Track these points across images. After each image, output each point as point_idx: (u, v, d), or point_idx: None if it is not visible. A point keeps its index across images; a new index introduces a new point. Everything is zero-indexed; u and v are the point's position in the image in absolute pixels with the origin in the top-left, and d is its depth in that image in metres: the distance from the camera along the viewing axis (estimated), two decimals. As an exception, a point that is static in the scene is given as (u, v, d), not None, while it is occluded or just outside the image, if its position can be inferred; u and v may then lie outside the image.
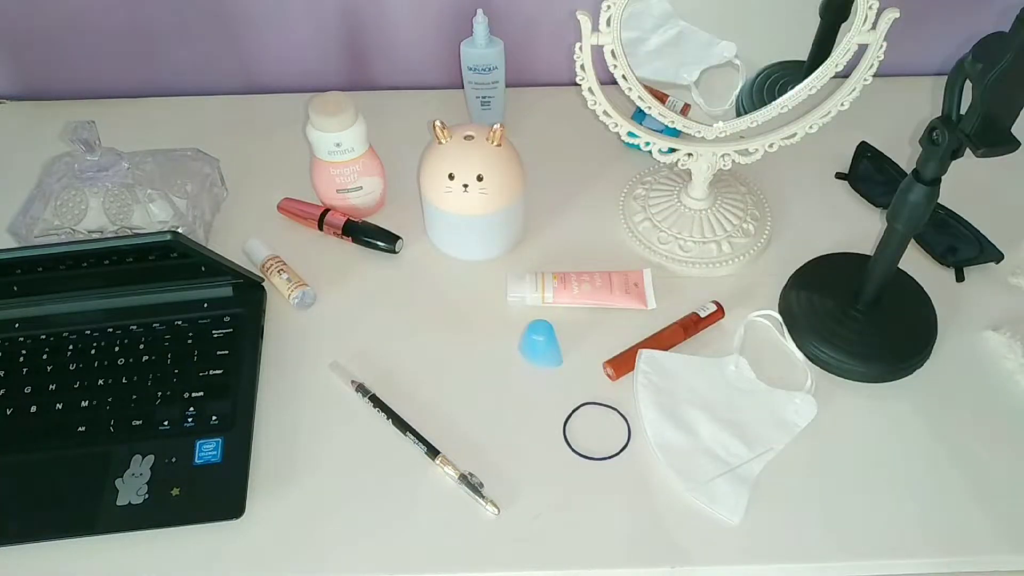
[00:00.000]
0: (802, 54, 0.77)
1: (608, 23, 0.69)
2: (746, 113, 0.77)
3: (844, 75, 0.74)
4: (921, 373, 0.74)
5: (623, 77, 0.72)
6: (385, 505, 0.66)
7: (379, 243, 0.84)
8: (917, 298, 0.78)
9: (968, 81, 0.58)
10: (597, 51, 0.71)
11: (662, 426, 0.69)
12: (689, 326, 0.76)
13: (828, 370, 0.74)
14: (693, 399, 0.71)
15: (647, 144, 0.79)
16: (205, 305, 0.77)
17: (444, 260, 0.84)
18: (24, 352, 0.74)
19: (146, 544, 0.63)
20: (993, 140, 0.58)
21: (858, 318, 0.74)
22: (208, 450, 0.68)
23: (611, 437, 0.70)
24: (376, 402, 0.71)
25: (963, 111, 0.60)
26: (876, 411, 0.71)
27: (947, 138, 0.60)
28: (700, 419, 0.70)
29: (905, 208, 0.66)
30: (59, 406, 0.71)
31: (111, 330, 0.75)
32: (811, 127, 0.77)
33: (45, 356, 0.74)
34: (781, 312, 0.78)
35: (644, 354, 0.73)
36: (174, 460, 0.67)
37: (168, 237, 0.65)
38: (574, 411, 0.71)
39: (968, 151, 0.60)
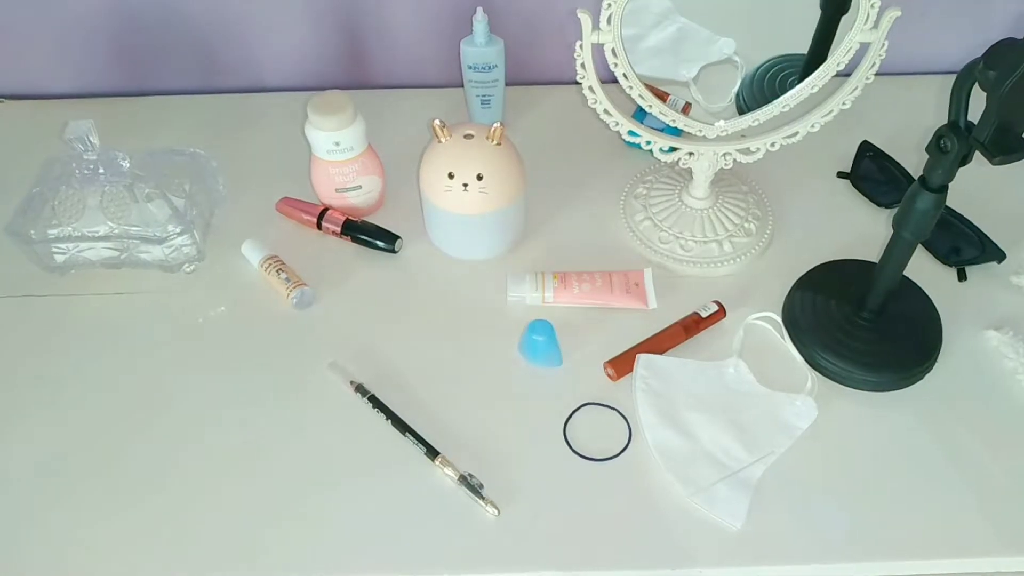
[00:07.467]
0: (803, 47, 0.77)
1: (608, 21, 0.68)
2: (746, 106, 0.76)
3: (846, 74, 0.73)
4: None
5: (624, 76, 0.72)
6: (385, 505, 0.65)
7: (379, 243, 0.83)
8: (921, 302, 0.77)
9: (978, 87, 0.56)
10: (597, 49, 0.70)
11: (662, 431, 0.69)
12: (690, 326, 0.76)
13: (837, 381, 0.73)
14: (692, 403, 0.71)
15: (648, 143, 0.79)
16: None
17: (444, 260, 0.83)
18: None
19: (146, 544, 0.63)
20: (1009, 147, 0.57)
21: (865, 327, 0.73)
22: (207, 451, 0.67)
23: (612, 438, 0.70)
24: (375, 402, 0.71)
25: (969, 116, 0.58)
26: (877, 412, 0.71)
27: (956, 145, 0.59)
28: (700, 423, 0.69)
29: (912, 215, 0.65)
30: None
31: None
32: (813, 126, 0.77)
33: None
34: (785, 321, 0.77)
35: (642, 359, 0.73)
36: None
37: None
38: (574, 411, 0.71)
39: (973, 157, 0.60)
